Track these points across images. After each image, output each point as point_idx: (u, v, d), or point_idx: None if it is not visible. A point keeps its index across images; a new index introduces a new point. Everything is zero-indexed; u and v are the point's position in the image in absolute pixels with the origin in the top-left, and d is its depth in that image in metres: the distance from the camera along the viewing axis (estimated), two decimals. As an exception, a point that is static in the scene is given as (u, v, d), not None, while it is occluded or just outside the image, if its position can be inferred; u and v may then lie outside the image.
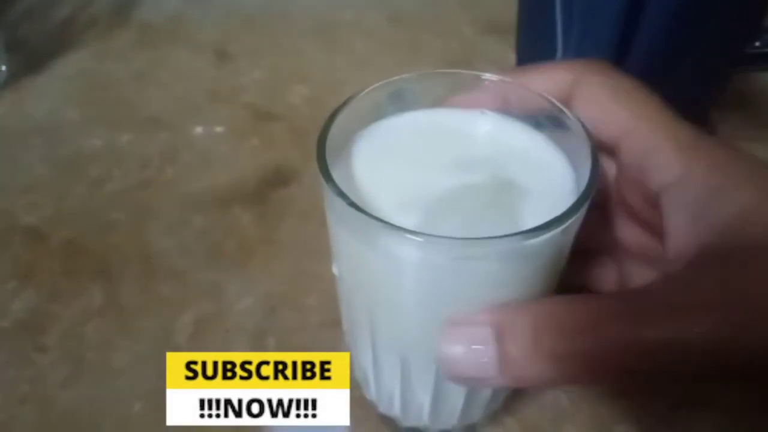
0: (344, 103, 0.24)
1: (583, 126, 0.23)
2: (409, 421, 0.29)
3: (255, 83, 0.51)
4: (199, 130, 0.46)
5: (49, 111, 0.48)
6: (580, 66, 0.25)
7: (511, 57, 0.46)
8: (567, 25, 0.34)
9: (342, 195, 0.20)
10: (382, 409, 0.29)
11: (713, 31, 0.33)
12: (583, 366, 0.19)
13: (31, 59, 0.52)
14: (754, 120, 0.45)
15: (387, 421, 0.30)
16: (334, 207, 0.21)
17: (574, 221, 0.20)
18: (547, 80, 0.25)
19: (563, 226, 0.20)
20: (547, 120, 0.25)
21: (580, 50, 0.34)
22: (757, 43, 0.36)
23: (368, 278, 0.23)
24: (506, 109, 0.26)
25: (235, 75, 0.52)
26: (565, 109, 0.23)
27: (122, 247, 0.37)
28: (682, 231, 0.22)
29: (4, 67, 0.50)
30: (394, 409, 0.28)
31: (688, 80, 0.35)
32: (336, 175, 0.21)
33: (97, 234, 0.38)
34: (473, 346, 0.21)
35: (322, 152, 0.22)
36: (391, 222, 0.19)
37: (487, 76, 0.25)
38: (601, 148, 0.24)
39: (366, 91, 0.25)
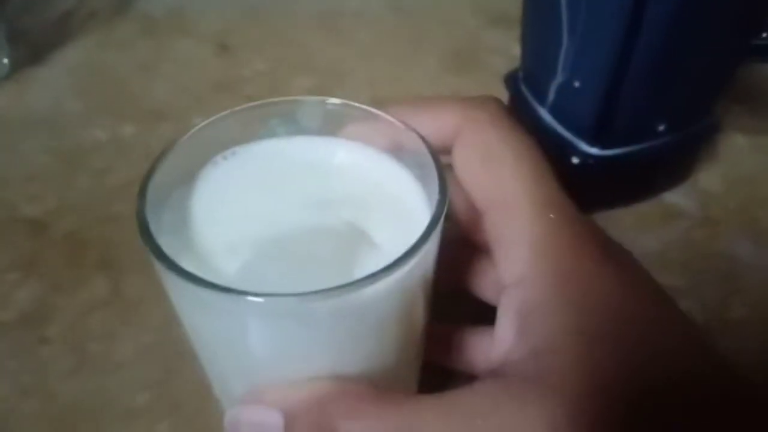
0: (205, 123, 0.22)
1: (439, 177, 0.21)
2: None
3: (258, 74, 0.50)
4: (201, 121, 0.46)
5: (51, 102, 0.48)
6: (466, 110, 0.24)
7: (516, 49, 0.45)
8: (573, 16, 0.33)
9: (140, 215, 0.19)
10: None
11: (720, 22, 0.33)
12: None
13: (33, 51, 0.52)
14: (760, 111, 0.45)
15: None
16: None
17: (399, 278, 0.18)
18: (433, 122, 0.23)
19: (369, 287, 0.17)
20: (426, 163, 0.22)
21: (584, 43, 0.34)
22: (765, 35, 0.36)
23: (184, 322, 0.22)
24: (399, 147, 0.24)
25: (237, 66, 0.51)
26: (432, 160, 0.21)
27: (125, 238, 0.37)
28: (502, 338, 0.21)
29: (6, 60, 0.50)
30: None
31: (694, 71, 0.35)
32: (172, 202, 0.20)
33: (101, 226, 0.38)
34: (261, 429, 0.20)
35: (149, 174, 0.20)
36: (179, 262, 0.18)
37: (375, 111, 0.23)
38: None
39: (228, 112, 0.23)
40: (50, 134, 0.45)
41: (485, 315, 0.24)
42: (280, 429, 0.20)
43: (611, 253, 0.22)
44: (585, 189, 0.30)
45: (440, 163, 0.21)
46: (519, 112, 0.39)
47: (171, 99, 0.47)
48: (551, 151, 0.25)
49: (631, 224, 0.38)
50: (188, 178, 0.23)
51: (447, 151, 0.24)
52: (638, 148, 0.36)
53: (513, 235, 0.22)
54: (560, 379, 0.19)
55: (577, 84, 0.35)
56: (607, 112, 0.35)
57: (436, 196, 0.20)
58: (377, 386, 0.21)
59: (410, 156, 0.23)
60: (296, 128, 0.24)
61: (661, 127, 0.36)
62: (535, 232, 0.22)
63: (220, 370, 0.23)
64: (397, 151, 0.23)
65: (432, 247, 0.20)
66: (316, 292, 0.17)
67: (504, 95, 0.42)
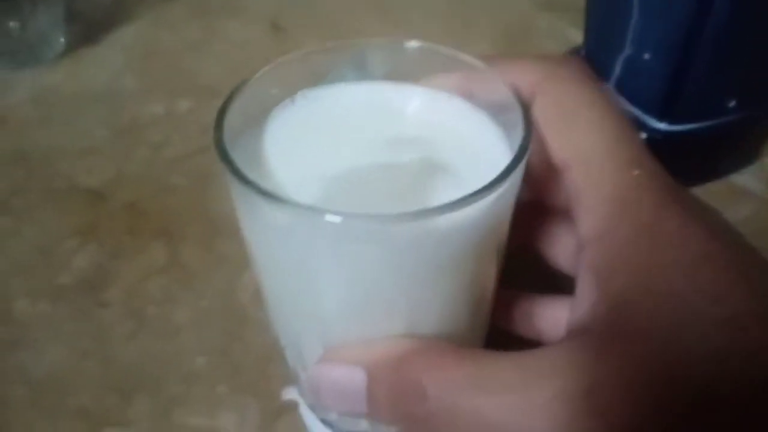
0: (275, 63, 0.22)
1: (523, 111, 0.20)
2: (347, 425, 0.25)
3: (310, 54, 0.50)
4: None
5: (107, 79, 0.48)
6: (548, 66, 0.23)
7: (569, 33, 0.45)
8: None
9: (218, 142, 0.18)
10: (319, 413, 0.26)
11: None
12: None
13: (88, 30, 0.52)
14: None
15: (326, 424, 0.26)
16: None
17: (479, 210, 0.17)
18: (515, 73, 0.22)
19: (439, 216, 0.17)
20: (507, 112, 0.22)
21: (655, 14, 0.33)
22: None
23: (255, 256, 0.21)
24: (469, 95, 0.23)
25: (290, 46, 0.51)
26: (512, 98, 0.21)
27: (183, 208, 0.37)
28: (582, 296, 0.21)
29: (62, 39, 0.51)
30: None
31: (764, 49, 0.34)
32: (242, 143, 0.20)
33: (158, 196, 0.38)
34: (344, 387, 0.20)
35: (225, 106, 0.20)
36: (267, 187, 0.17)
37: (463, 57, 0.22)
38: None
39: (300, 53, 0.22)
40: (107, 109, 0.45)
41: (554, 283, 0.24)
42: (363, 387, 0.20)
43: (698, 214, 0.21)
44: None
45: (521, 97, 0.21)
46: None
47: (224, 76, 0.47)
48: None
49: (697, 204, 0.37)
50: (256, 120, 0.22)
51: None
52: (707, 125, 0.35)
53: (595, 191, 0.21)
54: (640, 338, 0.18)
55: (646, 56, 0.34)
56: (677, 86, 0.34)
57: (519, 133, 0.19)
58: None
59: (487, 97, 0.22)
60: (366, 73, 0.24)
61: (732, 103, 0.35)
62: (619, 187, 0.21)
63: (289, 309, 0.22)
64: (473, 95, 0.23)
65: (514, 183, 0.19)
66: (396, 215, 0.16)
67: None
